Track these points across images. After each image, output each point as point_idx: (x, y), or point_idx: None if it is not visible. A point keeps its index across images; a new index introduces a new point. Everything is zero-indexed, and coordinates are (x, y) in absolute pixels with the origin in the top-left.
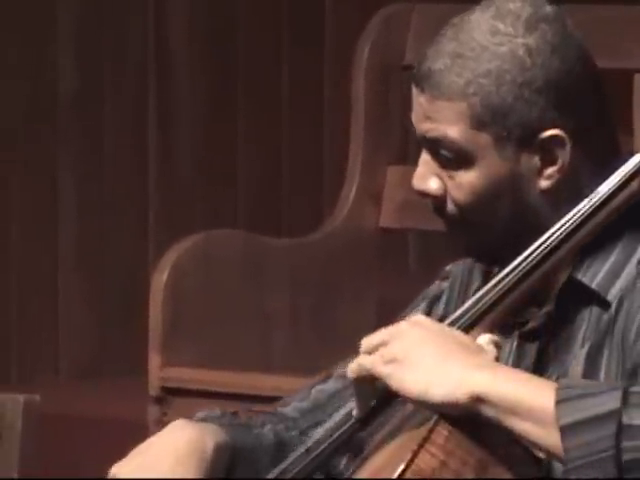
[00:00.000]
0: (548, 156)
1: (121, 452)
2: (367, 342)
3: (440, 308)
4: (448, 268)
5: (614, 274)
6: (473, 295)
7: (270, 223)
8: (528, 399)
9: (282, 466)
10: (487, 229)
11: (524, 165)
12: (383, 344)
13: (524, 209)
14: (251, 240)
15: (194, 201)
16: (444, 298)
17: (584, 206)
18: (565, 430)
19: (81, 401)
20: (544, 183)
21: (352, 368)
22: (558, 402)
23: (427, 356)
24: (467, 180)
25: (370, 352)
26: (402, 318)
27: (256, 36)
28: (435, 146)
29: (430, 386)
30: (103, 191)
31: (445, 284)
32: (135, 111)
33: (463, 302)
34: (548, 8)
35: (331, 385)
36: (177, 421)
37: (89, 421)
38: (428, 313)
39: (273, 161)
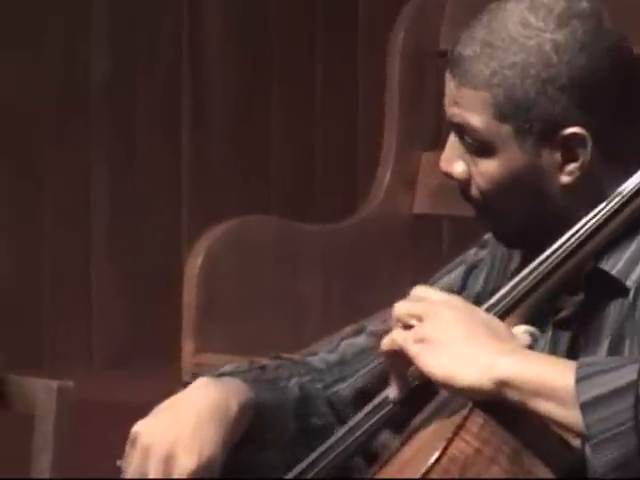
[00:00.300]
0: (569, 153)
1: None
2: (400, 308)
3: (479, 280)
4: (487, 237)
5: (633, 262)
6: (509, 281)
7: (303, 209)
8: (551, 380)
9: (324, 446)
10: (507, 217)
11: (545, 159)
12: (416, 318)
13: (544, 201)
14: (284, 226)
15: (227, 190)
16: (484, 271)
17: (614, 198)
18: (585, 407)
19: (114, 388)
20: (565, 178)
21: (385, 342)
22: (578, 380)
23: (456, 340)
24: (487, 169)
25: (401, 322)
26: (438, 280)
27: (290, 27)
28: (460, 131)
29: (456, 371)
30: (136, 182)
31: (483, 252)
32: (168, 107)
33: (501, 282)
34: (584, 4)
35: (362, 340)
36: (201, 379)
37: (122, 407)
38: (465, 279)
39: (306, 148)
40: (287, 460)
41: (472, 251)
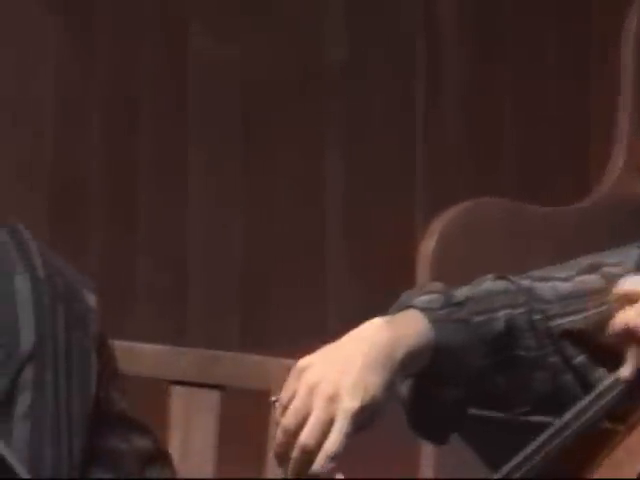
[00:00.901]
0: None
1: None
2: (623, 286)
3: None
4: None
5: None
6: None
7: (535, 192)
8: None
9: (554, 428)
10: None
11: None
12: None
13: None
14: (516, 208)
15: (460, 173)
16: None
17: None
18: None
19: None
20: None
21: (614, 323)
22: None
23: None
24: None
25: (622, 299)
26: None
27: (524, 6)
28: None
29: None
30: (369, 166)
31: None
32: (402, 92)
33: None
34: None
35: (595, 280)
36: (376, 319)
37: None
38: None
39: (539, 131)
40: (472, 393)
41: None
